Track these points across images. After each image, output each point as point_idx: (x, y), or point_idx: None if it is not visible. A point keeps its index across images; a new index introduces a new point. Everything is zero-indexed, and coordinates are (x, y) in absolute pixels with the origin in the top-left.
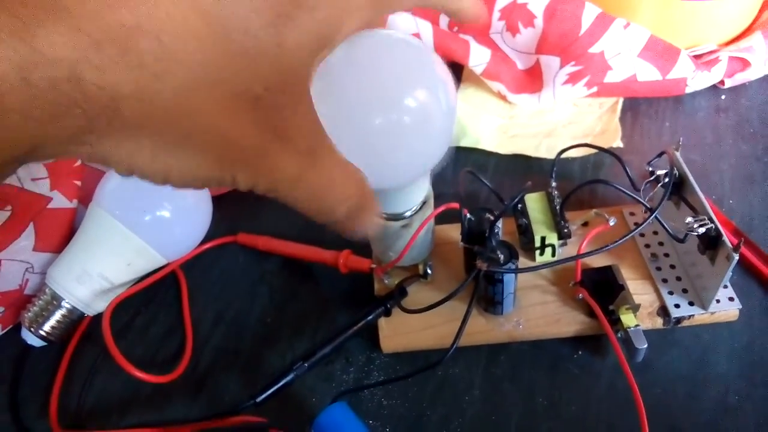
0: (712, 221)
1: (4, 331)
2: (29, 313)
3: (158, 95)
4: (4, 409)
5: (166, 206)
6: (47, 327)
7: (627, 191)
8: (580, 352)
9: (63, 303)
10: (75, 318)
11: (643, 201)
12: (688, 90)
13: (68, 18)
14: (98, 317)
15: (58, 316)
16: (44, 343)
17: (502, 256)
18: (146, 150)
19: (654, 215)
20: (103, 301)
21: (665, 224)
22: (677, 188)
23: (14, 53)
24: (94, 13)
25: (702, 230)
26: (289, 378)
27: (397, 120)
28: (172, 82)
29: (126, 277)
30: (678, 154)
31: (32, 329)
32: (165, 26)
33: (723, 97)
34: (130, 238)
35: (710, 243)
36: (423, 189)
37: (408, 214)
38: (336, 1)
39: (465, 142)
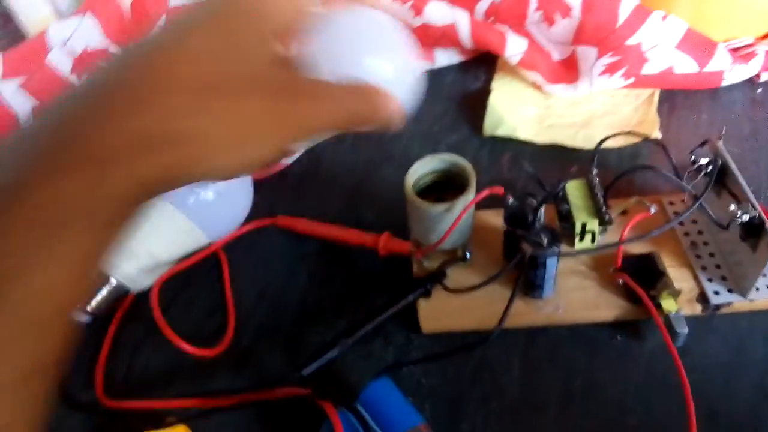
0: (756, 209)
1: None
2: None
3: None
4: None
5: (210, 188)
6: (94, 303)
7: (674, 178)
8: (618, 337)
9: (110, 279)
10: (120, 294)
11: (688, 188)
12: (725, 83)
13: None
14: (142, 295)
15: (104, 292)
16: (90, 319)
17: (545, 240)
18: None
19: (699, 202)
20: (148, 278)
21: (710, 211)
22: (720, 177)
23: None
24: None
25: (746, 218)
26: (334, 353)
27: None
28: None
29: (171, 255)
30: (720, 143)
31: (78, 305)
32: None
33: (759, 90)
34: (177, 217)
35: (753, 231)
36: None
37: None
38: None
39: (502, 131)
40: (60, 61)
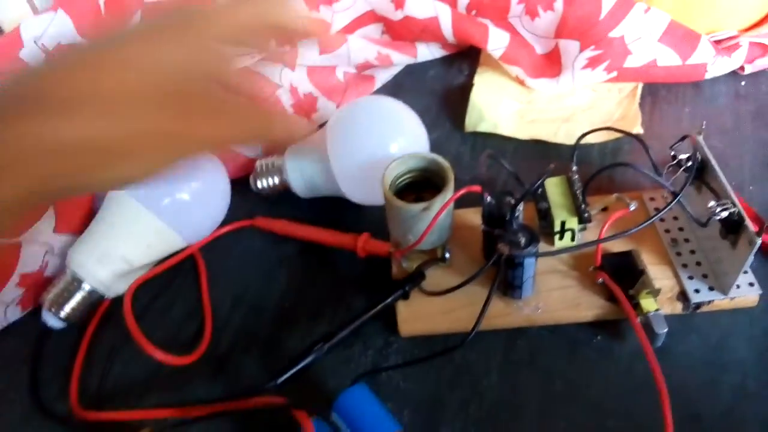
0: (735, 205)
1: (24, 312)
2: (50, 295)
3: None
4: (25, 391)
5: (185, 189)
6: (67, 308)
7: (651, 174)
8: (598, 337)
9: (83, 285)
10: (95, 300)
11: (666, 185)
12: (708, 76)
13: None
14: (118, 300)
15: (78, 297)
16: (64, 325)
17: (523, 240)
18: None
19: (677, 199)
20: (123, 283)
21: (687, 208)
22: (700, 173)
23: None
24: None
25: (725, 214)
26: (309, 359)
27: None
28: None
29: (146, 259)
30: (700, 138)
31: (52, 311)
32: None
33: (743, 83)
34: (150, 220)
35: (732, 227)
36: None
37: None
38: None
39: (483, 127)
40: (33, 58)
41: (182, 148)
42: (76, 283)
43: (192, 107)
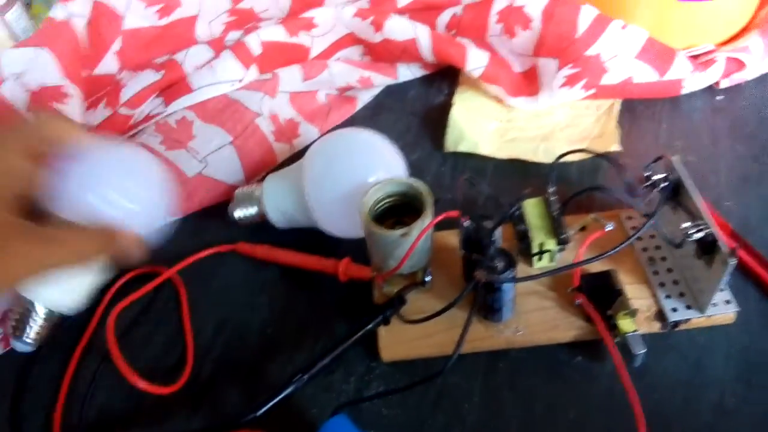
0: (709, 227)
1: (5, 350)
2: (11, 323)
3: None
4: (6, 425)
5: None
6: (31, 333)
7: (623, 199)
8: (578, 358)
9: (36, 307)
10: (54, 319)
11: (640, 207)
12: (684, 91)
13: None
14: (100, 328)
15: (38, 320)
16: (34, 348)
17: (500, 265)
18: None
19: (651, 222)
20: (76, 298)
21: (662, 230)
22: (674, 193)
23: None
24: None
25: (699, 235)
26: (288, 390)
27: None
28: None
29: (88, 270)
30: (675, 158)
31: (17, 336)
32: None
33: (719, 97)
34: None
35: (707, 248)
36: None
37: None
38: None
39: (463, 147)
40: (14, 94)
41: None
42: (30, 306)
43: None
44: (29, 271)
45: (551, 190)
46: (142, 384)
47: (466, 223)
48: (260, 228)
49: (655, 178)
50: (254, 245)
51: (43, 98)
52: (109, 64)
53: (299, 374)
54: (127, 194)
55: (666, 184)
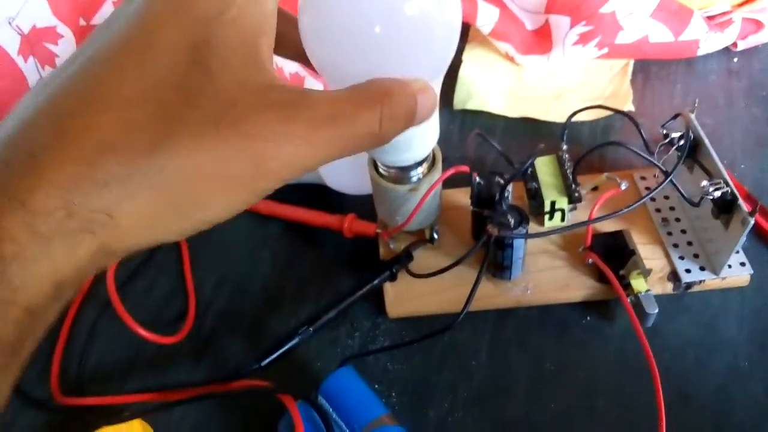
0: (727, 185)
1: None
2: None
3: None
4: None
5: None
6: None
7: (642, 154)
8: (588, 318)
9: None
10: None
11: (658, 164)
12: (700, 52)
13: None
14: (98, 279)
15: None
16: None
17: (512, 221)
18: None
19: (669, 179)
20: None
21: (680, 188)
22: (692, 151)
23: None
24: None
25: (717, 194)
26: (293, 342)
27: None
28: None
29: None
30: (693, 116)
31: None
32: None
33: (735, 59)
34: None
35: (725, 207)
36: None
37: (416, 177)
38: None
39: (472, 105)
40: (6, 39)
41: (260, 182)
42: None
43: (245, 126)
44: (273, 180)
45: (564, 147)
46: (143, 332)
47: (477, 178)
48: None
49: (672, 136)
50: None
51: (35, 40)
52: (107, 14)
53: (305, 326)
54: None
55: (683, 142)
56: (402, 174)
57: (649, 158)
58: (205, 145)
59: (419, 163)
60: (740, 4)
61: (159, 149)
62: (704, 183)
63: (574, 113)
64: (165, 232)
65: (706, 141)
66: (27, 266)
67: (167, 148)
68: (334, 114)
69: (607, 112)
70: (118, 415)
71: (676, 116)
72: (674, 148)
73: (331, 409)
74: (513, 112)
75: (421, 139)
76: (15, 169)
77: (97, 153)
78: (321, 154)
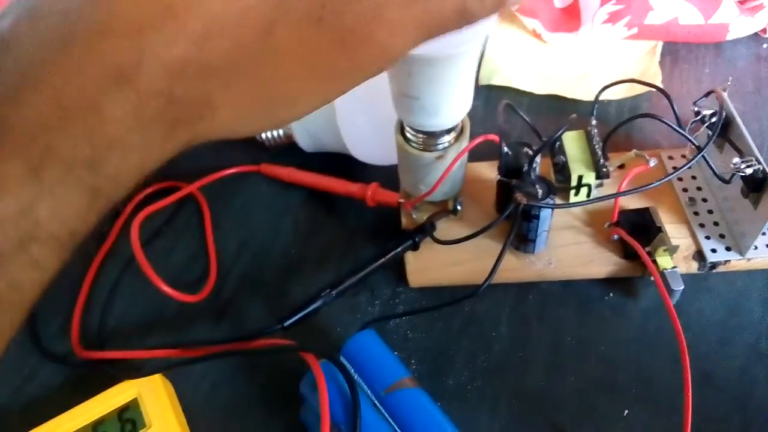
0: (759, 163)
1: None
2: None
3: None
4: (24, 330)
5: None
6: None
7: (676, 128)
8: (611, 294)
9: None
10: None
11: (690, 138)
12: (730, 37)
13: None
14: (120, 236)
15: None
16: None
17: (540, 191)
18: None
19: (701, 154)
20: None
21: (711, 164)
22: (723, 129)
23: (121, 97)
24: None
25: (749, 171)
26: (316, 304)
27: None
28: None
29: None
30: (726, 94)
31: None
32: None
33: (765, 45)
34: None
35: (756, 185)
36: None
37: (443, 144)
38: None
39: (497, 81)
40: None
41: (348, 74)
42: None
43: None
44: (365, 70)
45: (594, 122)
46: (166, 288)
47: (506, 149)
48: (287, 151)
49: (704, 113)
50: (279, 167)
51: None
52: None
53: (327, 289)
54: None
55: (716, 119)
56: (429, 141)
57: (682, 132)
58: (305, 36)
59: (448, 131)
60: None
61: (268, 35)
62: (736, 160)
63: (606, 87)
64: (255, 126)
65: (738, 119)
66: (125, 156)
67: (274, 37)
68: None
69: (635, 91)
70: (139, 370)
71: (708, 93)
72: (705, 125)
73: (353, 370)
74: (539, 89)
75: (452, 105)
76: (117, 39)
77: (205, 34)
78: (410, 40)
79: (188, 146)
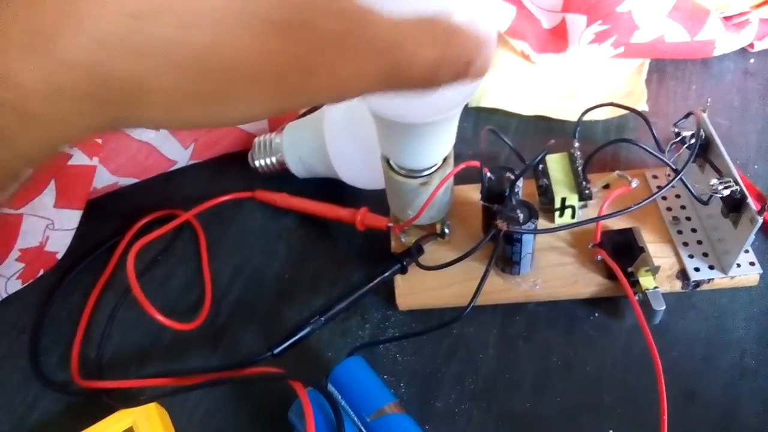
0: (737, 183)
1: (24, 285)
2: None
3: (184, 51)
4: (25, 359)
5: None
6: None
7: (652, 151)
8: (596, 314)
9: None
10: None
11: (668, 162)
12: (716, 53)
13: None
14: (117, 267)
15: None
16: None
17: (521, 216)
18: (179, 107)
19: (679, 176)
20: None
21: (689, 186)
22: (703, 150)
23: (37, 64)
24: (99, 15)
25: (727, 192)
26: (305, 331)
27: None
28: (196, 35)
29: None
30: (705, 115)
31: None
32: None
33: (752, 60)
34: None
35: (734, 206)
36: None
37: (428, 171)
38: None
39: (486, 103)
40: None
41: (297, 95)
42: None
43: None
44: (312, 96)
45: (576, 145)
46: (161, 317)
47: (488, 174)
48: (280, 177)
49: (684, 134)
50: (272, 193)
51: None
52: None
53: (316, 316)
54: None
55: (694, 141)
56: (414, 169)
57: (658, 156)
58: (266, 44)
59: None
60: (758, 5)
61: (227, 31)
62: (713, 181)
63: (587, 110)
64: (186, 121)
65: (717, 140)
66: (37, 130)
67: (232, 34)
68: (393, 44)
69: (622, 112)
70: (135, 398)
71: (688, 115)
72: (685, 146)
73: (340, 397)
74: (527, 110)
75: (432, 155)
76: (43, 3)
77: (148, 11)
78: (370, 85)
79: (114, 128)
